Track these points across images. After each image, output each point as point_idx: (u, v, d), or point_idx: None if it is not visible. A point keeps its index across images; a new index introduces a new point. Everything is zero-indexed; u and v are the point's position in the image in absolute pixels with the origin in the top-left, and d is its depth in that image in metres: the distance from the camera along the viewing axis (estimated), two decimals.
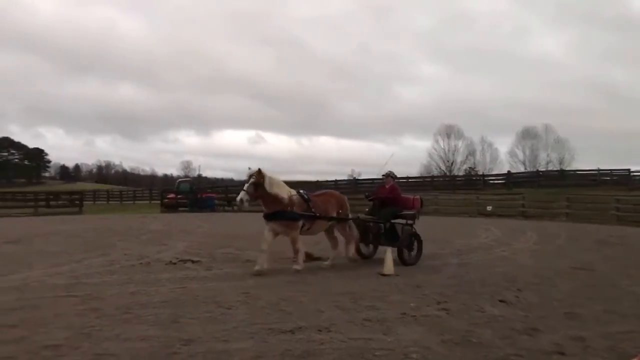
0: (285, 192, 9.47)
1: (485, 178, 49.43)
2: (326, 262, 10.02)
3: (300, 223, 9.51)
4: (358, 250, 10.81)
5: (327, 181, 48.89)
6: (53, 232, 17.36)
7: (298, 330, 5.56)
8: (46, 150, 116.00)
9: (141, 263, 10.16)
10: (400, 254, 10.13)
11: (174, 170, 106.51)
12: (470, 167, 60.07)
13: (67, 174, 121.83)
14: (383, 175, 11.18)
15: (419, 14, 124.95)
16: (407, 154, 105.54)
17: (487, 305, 6.83)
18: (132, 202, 51.81)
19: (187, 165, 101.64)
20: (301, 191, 9.96)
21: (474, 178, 51.42)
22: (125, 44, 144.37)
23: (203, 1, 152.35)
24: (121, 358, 4.69)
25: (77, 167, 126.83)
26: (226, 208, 37.24)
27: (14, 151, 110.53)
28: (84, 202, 37.08)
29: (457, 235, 16.82)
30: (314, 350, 4.92)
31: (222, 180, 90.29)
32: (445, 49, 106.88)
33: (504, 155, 59.82)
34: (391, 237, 10.51)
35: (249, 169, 9.36)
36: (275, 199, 9.27)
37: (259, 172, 9.18)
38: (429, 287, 7.94)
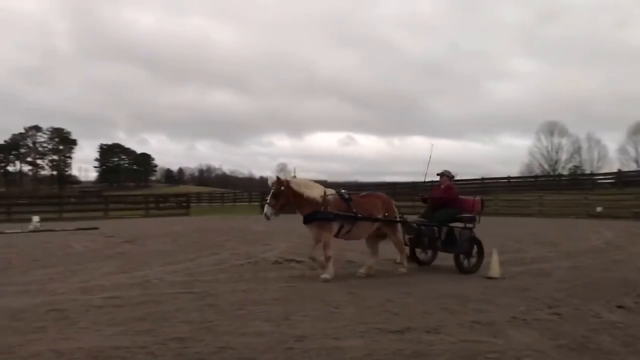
0: (317, 192, 8.94)
1: (594, 177, 46.66)
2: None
3: (335, 225, 8.93)
4: (413, 256, 10.26)
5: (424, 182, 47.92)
6: (164, 233, 18.45)
7: (407, 330, 5.61)
8: (152, 155, 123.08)
9: (249, 262, 10.62)
10: (457, 261, 9.44)
11: (270, 173, 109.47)
12: (575, 166, 57.01)
13: (172, 177, 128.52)
14: (438, 174, 10.26)
15: (509, 8, 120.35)
16: (505, 153, 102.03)
17: (603, 310, 6.52)
18: (232, 203, 53.83)
19: (282, 168, 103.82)
20: (342, 191, 9.46)
21: (581, 177, 48.73)
22: (219, 52, 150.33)
23: (290, 6, 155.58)
24: (240, 351, 4.97)
25: (180, 170, 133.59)
26: None
27: (124, 156, 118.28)
28: (190, 204, 38.99)
29: (564, 237, 16.06)
30: (424, 351, 4.96)
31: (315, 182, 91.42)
32: (539, 43, 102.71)
33: (613, 153, 56.23)
34: (448, 242, 9.71)
35: (269, 178, 9.17)
36: (305, 200, 8.80)
37: (278, 180, 8.89)
38: (538, 291, 7.69)
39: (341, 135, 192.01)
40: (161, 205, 37.74)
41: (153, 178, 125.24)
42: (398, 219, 9.73)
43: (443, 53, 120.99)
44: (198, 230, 19.77)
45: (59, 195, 60.45)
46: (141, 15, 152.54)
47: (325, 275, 8.66)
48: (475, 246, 9.66)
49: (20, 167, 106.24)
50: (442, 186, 10.13)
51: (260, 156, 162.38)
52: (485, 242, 9.88)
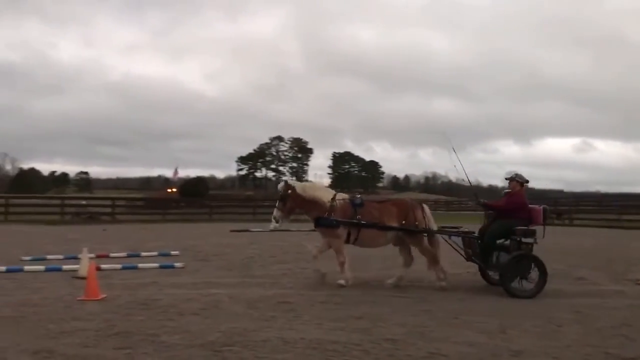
0: (325, 197, 8.74)
1: None
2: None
3: (343, 232, 8.62)
4: (484, 275, 8.94)
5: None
6: None
7: None
8: (380, 163, 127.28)
9: (468, 272, 10.36)
10: (503, 282, 8.05)
11: (498, 181, 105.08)
12: None
13: (398, 184, 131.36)
14: (507, 179, 8.87)
15: None
16: None
17: None
18: (457, 212, 52.98)
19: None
20: (358, 196, 9.05)
21: None
22: (437, 59, 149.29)
23: (504, 11, 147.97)
24: (451, 359, 4.92)
25: (406, 177, 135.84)
26: (555, 222, 35.01)
27: (354, 164, 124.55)
28: None
29: None
30: None
31: (549, 191, 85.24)
32: None
33: None
34: (490, 259, 8.43)
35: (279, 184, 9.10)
36: (312, 204, 8.70)
37: (285, 184, 8.91)
38: None
39: (575, 140, 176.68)
40: None
41: (380, 185, 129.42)
42: (422, 229, 8.80)
43: None
44: None
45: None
46: (363, 31, 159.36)
47: (340, 281, 8.52)
48: (532, 266, 8.05)
49: (266, 173, 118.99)
50: (512, 193, 8.69)
51: (485, 164, 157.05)
52: None
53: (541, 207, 8.54)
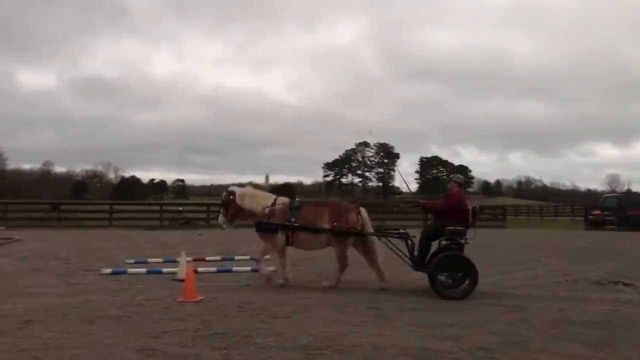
0: (262, 203, 9.03)
1: None
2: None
3: (281, 235, 8.83)
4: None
5: None
6: (478, 244, 18.41)
7: None
8: (469, 167, 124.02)
9: (566, 280, 9.89)
10: (431, 283, 8.02)
11: (597, 185, 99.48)
12: None
13: (489, 189, 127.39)
14: (446, 179, 8.46)
15: None
16: None
17: None
18: (553, 217, 50.60)
19: (613, 180, 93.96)
20: (297, 199, 9.38)
21: None
22: (521, 61, 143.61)
23: (590, 9, 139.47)
24: None
25: (497, 182, 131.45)
26: None
27: (442, 168, 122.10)
28: (506, 217, 38.07)
29: None
30: None
31: None
32: None
33: None
34: (424, 260, 8.43)
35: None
36: (249, 212, 9.04)
37: (226, 192, 9.24)
38: None
39: None
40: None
41: (470, 190, 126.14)
42: (348, 230, 8.78)
43: None
44: (512, 243, 19.18)
45: (383, 204, 65.72)
46: (442, 35, 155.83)
47: (280, 281, 8.87)
48: (461, 267, 8.10)
49: (352, 179, 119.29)
50: (449, 193, 8.83)
51: (581, 167, 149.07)
52: None
53: (469, 208, 8.63)
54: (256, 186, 10.56)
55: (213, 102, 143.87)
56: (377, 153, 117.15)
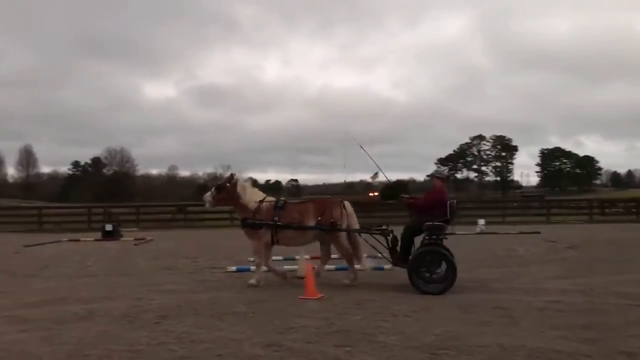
0: (253, 200, 9.16)
1: None
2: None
3: (266, 233, 8.95)
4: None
5: None
6: (609, 240, 17.15)
7: None
8: (596, 158, 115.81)
9: None
10: (410, 278, 8.03)
11: None
12: None
13: (619, 180, 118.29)
14: (427, 176, 8.13)
15: None
16: None
17: None
18: None
19: None
20: (282, 199, 9.44)
21: None
22: None
23: None
24: None
25: (629, 173, 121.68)
26: None
27: (565, 160, 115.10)
28: None
29: None
30: None
31: None
32: None
33: None
34: (407, 255, 8.39)
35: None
36: (241, 206, 9.20)
37: (230, 176, 9.49)
38: None
39: None
40: (606, 210, 35.11)
41: (598, 182, 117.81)
42: (337, 227, 8.78)
43: None
44: None
45: (502, 199, 63.20)
46: (553, 22, 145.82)
47: (251, 281, 8.84)
48: (440, 262, 8.11)
49: (467, 174, 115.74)
50: (432, 189, 8.97)
51: None
52: None
53: (448, 202, 8.49)
54: (254, 183, 10.55)
55: (321, 103, 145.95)
56: (493, 146, 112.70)
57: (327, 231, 8.85)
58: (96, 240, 18.82)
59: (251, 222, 9.00)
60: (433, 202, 8.55)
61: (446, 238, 8.47)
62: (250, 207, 9.12)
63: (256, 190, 9.62)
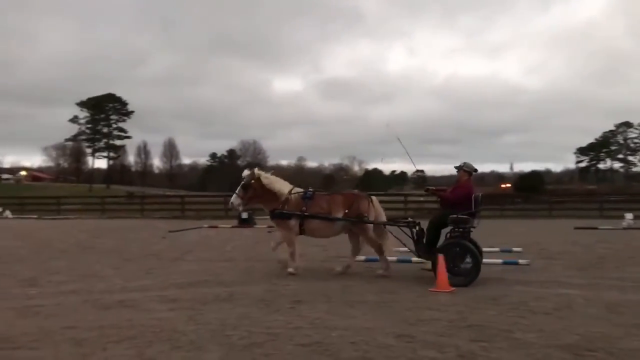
0: (283, 190, 9.21)
1: None
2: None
3: (295, 224, 9.04)
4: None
5: None
6: None
7: None
8: None
9: None
10: (434, 270, 7.84)
11: None
12: None
13: None
14: (455, 168, 9.04)
15: None
16: None
17: None
18: None
19: None
20: (310, 190, 9.42)
21: None
22: None
23: None
24: None
25: None
26: None
27: None
28: None
29: None
30: None
31: None
32: None
33: None
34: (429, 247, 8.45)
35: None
36: (271, 197, 9.18)
37: (252, 173, 9.30)
38: None
39: None
40: None
41: None
42: (366, 219, 8.97)
43: None
44: None
45: None
46: None
47: (289, 270, 8.98)
48: (466, 255, 7.99)
49: (611, 164, 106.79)
50: (460, 183, 8.81)
51: None
52: None
53: (473, 195, 8.46)
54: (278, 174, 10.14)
55: (447, 93, 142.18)
56: None
57: (355, 223, 8.97)
58: (233, 227, 19.96)
59: (279, 213, 9.11)
60: (462, 197, 8.50)
61: (471, 231, 8.47)
62: (282, 197, 9.15)
63: (281, 180, 9.62)
